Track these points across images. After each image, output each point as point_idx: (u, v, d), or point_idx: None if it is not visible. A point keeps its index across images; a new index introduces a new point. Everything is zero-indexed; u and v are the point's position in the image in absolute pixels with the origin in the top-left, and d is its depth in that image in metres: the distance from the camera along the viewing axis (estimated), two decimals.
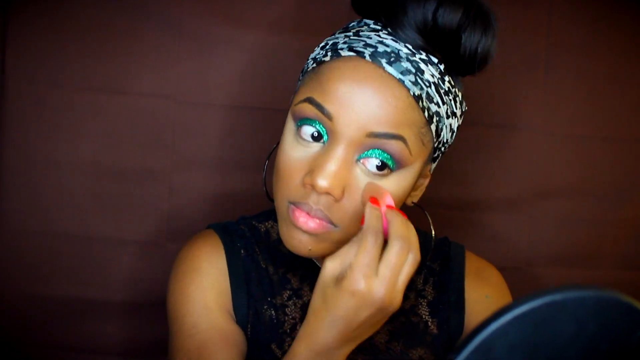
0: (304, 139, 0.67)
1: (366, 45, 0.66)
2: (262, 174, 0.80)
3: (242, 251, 0.78)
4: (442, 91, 0.68)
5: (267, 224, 0.82)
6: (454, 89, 0.70)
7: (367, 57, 0.65)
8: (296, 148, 0.67)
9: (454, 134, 0.73)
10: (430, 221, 0.76)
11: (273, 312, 0.76)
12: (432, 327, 0.78)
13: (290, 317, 0.76)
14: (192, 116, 1.01)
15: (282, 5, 1.00)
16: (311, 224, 0.66)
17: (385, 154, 0.65)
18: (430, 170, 0.74)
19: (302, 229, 0.67)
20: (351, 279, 0.58)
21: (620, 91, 1.07)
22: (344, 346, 0.62)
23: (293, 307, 0.76)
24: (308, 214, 0.66)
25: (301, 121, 0.67)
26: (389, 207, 0.63)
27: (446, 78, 0.68)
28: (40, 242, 1.00)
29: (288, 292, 0.77)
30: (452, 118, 0.70)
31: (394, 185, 0.67)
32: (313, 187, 0.64)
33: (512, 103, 1.06)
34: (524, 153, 1.07)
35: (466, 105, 0.74)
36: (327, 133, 0.66)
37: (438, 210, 1.04)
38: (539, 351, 0.44)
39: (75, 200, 1.00)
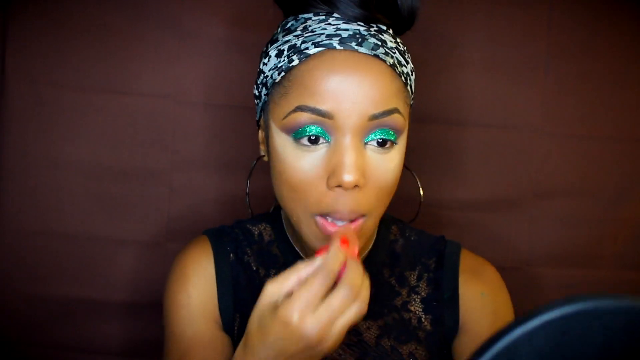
0: (305, 145, 0.66)
1: (329, 36, 0.66)
2: (246, 187, 0.82)
3: (231, 255, 0.80)
4: (402, 52, 0.70)
5: (260, 226, 0.82)
6: (404, 46, 0.72)
7: (338, 46, 0.66)
8: (302, 157, 0.67)
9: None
10: (418, 181, 0.79)
11: None
12: (426, 323, 0.78)
13: None
14: (192, 116, 1.01)
15: None
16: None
17: (388, 131, 0.66)
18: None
19: None
20: (286, 309, 0.56)
21: (620, 91, 1.07)
22: None
23: None
24: (341, 220, 0.67)
25: (298, 132, 0.66)
26: (352, 255, 0.62)
27: (398, 39, 0.71)
28: (40, 242, 1.00)
29: None
30: (413, 72, 0.73)
31: (399, 154, 0.69)
32: (341, 186, 0.65)
33: (512, 103, 1.06)
34: (524, 153, 1.07)
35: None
36: (327, 132, 0.66)
37: (438, 210, 1.04)
38: None
39: (75, 200, 1.00)
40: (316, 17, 0.68)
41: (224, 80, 1.01)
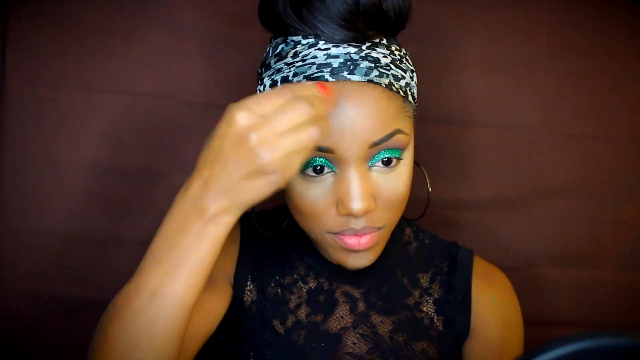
0: (311, 176, 0.66)
1: (320, 66, 0.64)
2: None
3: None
4: (398, 62, 0.68)
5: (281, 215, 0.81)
6: (401, 51, 0.70)
7: (330, 78, 0.64)
8: (310, 187, 0.67)
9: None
10: (426, 176, 0.79)
11: (279, 290, 0.77)
12: (438, 324, 0.79)
13: (297, 295, 0.77)
14: (192, 116, 1.01)
15: None
16: (363, 241, 0.68)
17: (391, 151, 0.66)
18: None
19: (355, 250, 0.69)
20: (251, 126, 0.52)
21: (620, 91, 1.07)
22: (209, 193, 0.55)
23: (300, 288, 0.77)
24: (356, 235, 0.68)
25: (302, 166, 0.63)
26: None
27: (392, 48, 0.68)
28: (40, 242, 1.00)
29: (296, 275, 0.78)
30: (414, 75, 0.71)
31: (406, 167, 0.68)
32: (351, 215, 0.65)
33: (512, 103, 1.06)
34: (524, 153, 1.07)
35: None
36: (331, 162, 0.66)
37: (438, 210, 1.04)
38: None
39: (75, 200, 1.00)
40: (305, 41, 0.66)
41: (224, 80, 1.01)
